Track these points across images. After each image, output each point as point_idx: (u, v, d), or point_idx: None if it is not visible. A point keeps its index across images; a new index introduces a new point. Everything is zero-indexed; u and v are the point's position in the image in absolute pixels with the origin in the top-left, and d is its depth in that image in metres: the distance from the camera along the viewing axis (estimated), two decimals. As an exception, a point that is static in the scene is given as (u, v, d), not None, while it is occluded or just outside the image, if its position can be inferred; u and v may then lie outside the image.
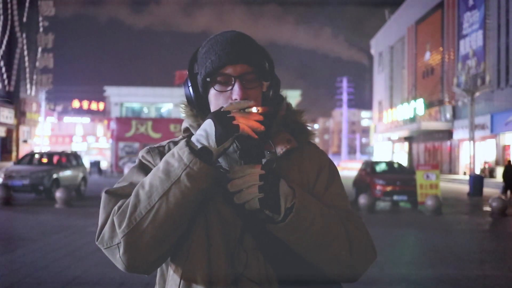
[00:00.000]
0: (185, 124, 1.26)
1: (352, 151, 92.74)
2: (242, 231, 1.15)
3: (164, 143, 1.29)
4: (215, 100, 1.17)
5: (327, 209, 1.15)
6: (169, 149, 1.24)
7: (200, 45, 1.24)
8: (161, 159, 1.18)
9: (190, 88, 1.21)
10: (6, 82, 33.40)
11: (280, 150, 1.19)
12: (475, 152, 22.79)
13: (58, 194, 12.67)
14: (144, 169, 1.22)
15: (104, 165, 42.14)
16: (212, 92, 1.18)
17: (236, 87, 1.14)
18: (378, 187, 14.36)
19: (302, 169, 1.23)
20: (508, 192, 17.16)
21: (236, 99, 1.13)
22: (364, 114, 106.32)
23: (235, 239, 1.15)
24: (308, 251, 1.12)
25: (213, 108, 1.19)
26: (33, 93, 36.90)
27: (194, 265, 1.14)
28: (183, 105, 1.26)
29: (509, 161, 17.84)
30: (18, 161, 16.71)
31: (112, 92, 44.90)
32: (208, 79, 1.16)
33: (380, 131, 50.85)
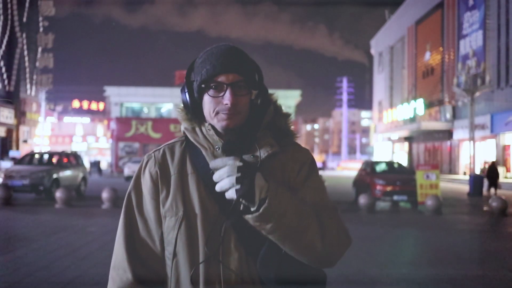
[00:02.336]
0: (182, 127, 1.39)
1: (352, 151, 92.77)
2: (225, 227, 1.26)
3: (161, 147, 1.42)
4: (208, 104, 1.30)
5: (300, 201, 1.25)
6: (164, 154, 1.37)
7: (197, 56, 1.37)
8: (159, 166, 1.35)
9: (187, 94, 1.34)
10: (6, 82, 33.41)
11: (263, 154, 1.29)
12: (475, 152, 22.78)
13: (58, 194, 12.66)
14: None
15: (104, 165, 42.12)
16: (206, 98, 1.30)
17: (228, 93, 1.26)
18: (378, 187, 14.35)
19: (285, 169, 1.34)
20: (492, 189, 19.47)
21: (227, 104, 1.26)
22: (364, 114, 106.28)
23: (218, 233, 1.26)
24: (283, 240, 1.21)
25: (206, 112, 1.31)
26: (33, 93, 36.90)
27: (179, 258, 1.28)
28: (179, 110, 1.39)
29: (493, 162, 20.37)
30: (18, 161, 16.71)
31: (112, 92, 44.92)
32: (203, 86, 1.29)
33: (380, 131, 50.84)
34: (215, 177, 1.20)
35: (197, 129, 1.34)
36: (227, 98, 1.26)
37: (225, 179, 1.18)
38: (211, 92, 1.28)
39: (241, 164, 1.19)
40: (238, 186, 1.17)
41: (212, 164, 1.23)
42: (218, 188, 1.20)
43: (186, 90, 1.34)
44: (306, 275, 1.25)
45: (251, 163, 1.24)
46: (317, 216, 1.25)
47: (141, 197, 1.36)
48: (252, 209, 1.18)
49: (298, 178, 1.33)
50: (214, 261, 1.24)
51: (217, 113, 1.28)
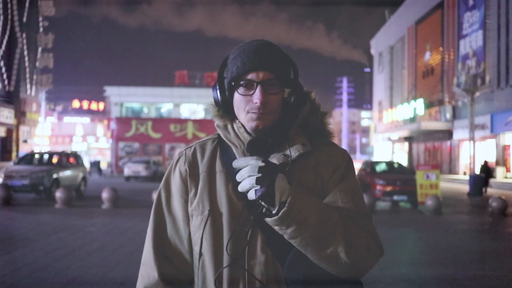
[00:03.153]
0: (215, 124, 1.36)
1: (352, 151, 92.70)
2: (252, 229, 1.22)
3: (193, 144, 1.40)
4: (238, 103, 1.26)
5: (326, 207, 1.19)
6: (195, 152, 1.35)
7: (231, 52, 1.33)
8: (189, 164, 1.33)
9: (218, 91, 1.31)
10: (6, 82, 33.41)
11: (294, 154, 1.25)
12: (475, 152, 22.78)
13: (58, 194, 12.65)
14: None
15: (104, 165, 42.09)
16: (236, 96, 1.26)
17: (258, 91, 1.22)
18: (378, 187, 14.35)
19: (318, 171, 1.28)
20: (488, 189, 20.30)
21: (256, 103, 1.21)
22: (364, 114, 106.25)
23: (243, 235, 1.22)
24: (304, 248, 1.15)
25: (236, 110, 1.28)
26: (33, 93, 36.89)
27: (205, 258, 1.25)
28: (212, 105, 1.36)
29: (486, 162, 21.04)
30: (18, 161, 16.71)
31: (112, 92, 44.88)
32: (232, 83, 1.26)
33: (380, 131, 50.83)
34: (238, 176, 1.17)
35: (229, 126, 1.31)
36: (256, 96, 1.21)
37: (246, 179, 1.14)
38: (240, 90, 1.24)
39: (263, 164, 1.14)
40: (258, 187, 1.12)
41: (235, 163, 1.20)
42: (240, 188, 1.16)
43: (217, 87, 1.31)
44: (337, 283, 1.18)
45: (274, 164, 1.17)
46: (345, 224, 1.18)
47: (170, 195, 1.34)
48: (273, 212, 1.14)
49: (331, 180, 1.27)
50: (237, 266, 1.21)
51: (247, 112, 1.24)
